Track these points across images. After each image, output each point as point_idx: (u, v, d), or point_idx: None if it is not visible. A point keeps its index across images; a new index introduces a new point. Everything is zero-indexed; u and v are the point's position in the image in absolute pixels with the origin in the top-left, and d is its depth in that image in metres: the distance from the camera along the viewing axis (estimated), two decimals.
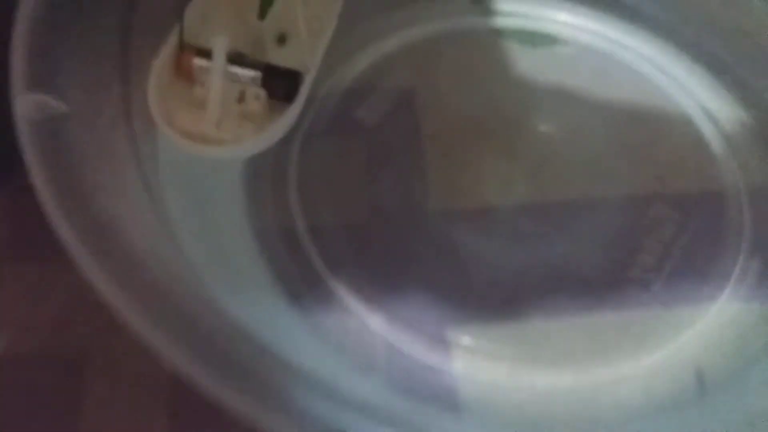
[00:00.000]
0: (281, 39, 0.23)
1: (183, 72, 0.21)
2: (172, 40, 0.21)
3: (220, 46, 0.20)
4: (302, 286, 0.23)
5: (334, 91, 0.27)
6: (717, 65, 0.28)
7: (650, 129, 0.27)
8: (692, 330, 0.22)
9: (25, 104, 0.15)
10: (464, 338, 0.22)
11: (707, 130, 0.27)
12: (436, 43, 0.29)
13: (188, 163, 0.23)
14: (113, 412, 0.21)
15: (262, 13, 0.23)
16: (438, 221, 0.24)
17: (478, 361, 0.22)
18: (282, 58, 0.22)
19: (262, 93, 0.21)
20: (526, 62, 0.28)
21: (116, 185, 0.18)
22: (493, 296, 0.23)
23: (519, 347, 0.22)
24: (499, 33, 0.29)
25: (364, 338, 0.22)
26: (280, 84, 0.21)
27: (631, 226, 0.24)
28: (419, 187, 0.25)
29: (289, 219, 0.24)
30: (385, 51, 0.29)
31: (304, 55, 0.22)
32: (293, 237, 0.24)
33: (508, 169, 0.26)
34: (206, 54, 0.21)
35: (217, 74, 0.20)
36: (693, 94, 0.28)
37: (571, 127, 0.27)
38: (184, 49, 0.21)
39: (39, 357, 0.22)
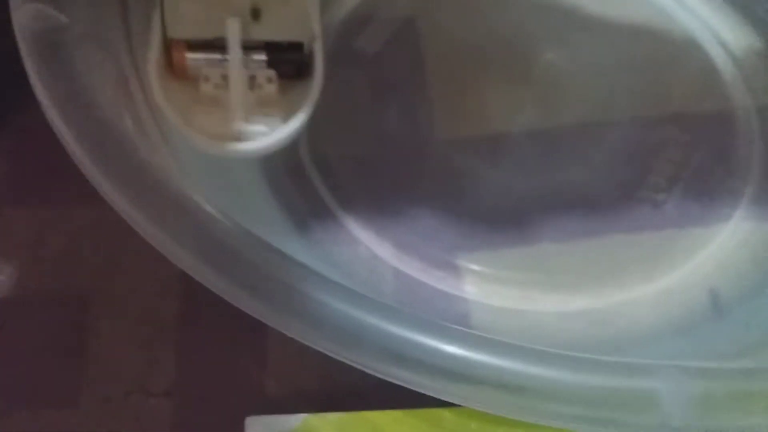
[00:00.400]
0: (255, 14, 0.19)
1: (178, 70, 0.19)
2: (158, 37, 0.19)
3: (234, 33, 0.18)
4: (310, 217, 0.22)
5: (331, 22, 0.26)
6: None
7: (658, 52, 0.26)
8: (705, 250, 0.22)
9: (23, 14, 0.15)
10: (474, 264, 0.22)
11: (715, 53, 0.26)
12: None
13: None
14: (119, 349, 0.21)
15: None
16: (445, 149, 0.24)
17: (489, 285, 0.21)
18: (266, 33, 0.19)
19: (273, 74, 0.19)
20: (531, 3, 0.27)
21: (119, 100, 0.17)
22: (503, 222, 0.23)
23: (530, 271, 0.22)
24: None
25: (373, 266, 0.21)
26: (289, 59, 0.19)
27: (640, 148, 0.24)
28: (424, 116, 0.25)
29: (294, 152, 0.23)
30: None
31: (291, 22, 0.19)
32: (300, 169, 0.23)
33: (514, 95, 0.25)
34: (197, 47, 0.19)
35: (236, 66, 0.18)
36: (701, 18, 0.27)
37: (578, 52, 0.26)
38: (172, 45, 0.19)
39: (43, 296, 0.22)
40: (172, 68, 0.19)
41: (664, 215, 0.23)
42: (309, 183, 0.23)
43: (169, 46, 0.19)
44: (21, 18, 0.15)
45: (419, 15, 0.27)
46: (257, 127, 0.19)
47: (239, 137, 0.19)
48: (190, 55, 0.19)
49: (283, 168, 0.23)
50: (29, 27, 0.15)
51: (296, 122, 0.19)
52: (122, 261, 0.22)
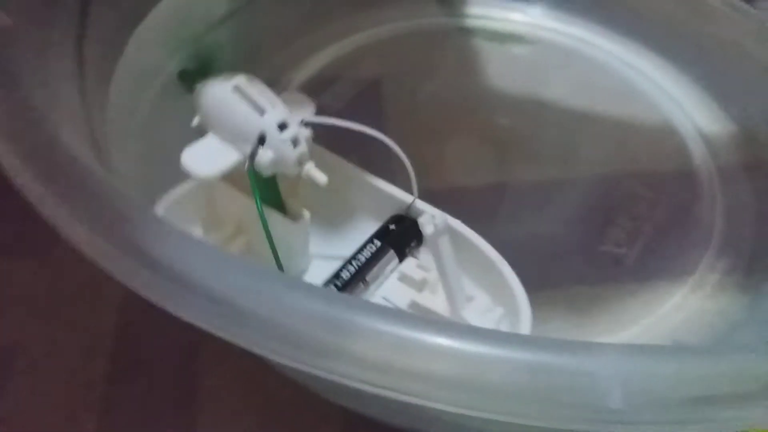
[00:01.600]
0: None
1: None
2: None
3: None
4: None
5: (297, 80, 0.27)
6: (682, 58, 0.28)
7: (620, 116, 0.26)
8: (668, 303, 0.21)
9: None
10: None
11: (676, 116, 0.27)
12: (402, 40, 0.29)
13: (139, 124, 0.22)
14: (39, 408, 0.19)
15: None
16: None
17: None
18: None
19: (416, 261, 0.19)
20: (491, 58, 0.28)
21: (63, 116, 0.16)
22: None
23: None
24: (465, 31, 0.29)
25: None
26: (410, 240, 0.19)
27: (603, 203, 0.23)
28: (386, 170, 0.24)
29: None
30: (352, 47, 0.28)
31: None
32: None
33: (476, 152, 0.25)
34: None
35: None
36: (661, 86, 0.27)
37: (540, 115, 0.26)
38: None
39: None
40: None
41: (625, 269, 0.22)
42: None
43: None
44: None
45: (383, 77, 0.27)
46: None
47: None
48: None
49: None
50: None
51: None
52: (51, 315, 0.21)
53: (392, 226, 0.20)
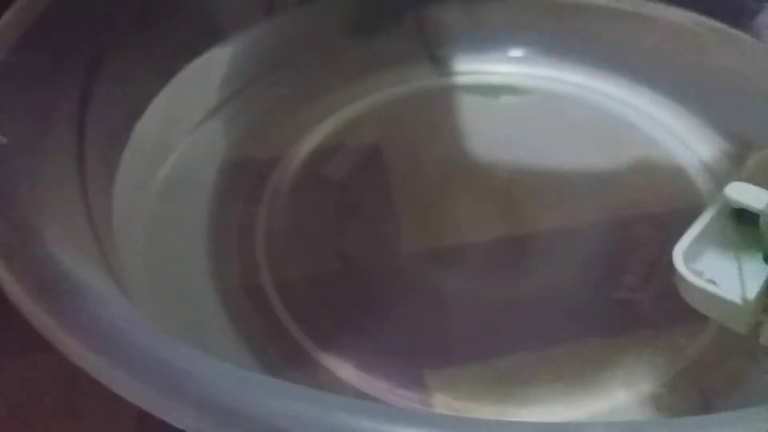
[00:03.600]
0: None
1: None
2: None
3: None
4: (268, 343, 0.21)
5: (300, 153, 0.27)
6: (679, 92, 0.28)
7: (622, 158, 0.26)
8: (689, 350, 0.20)
9: None
10: (444, 381, 0.20)
11: (682, 155, 0.26)
12: (400, 105, 0.29)
13: (145, 224, 0.22)
14: None
15: None
16: (412, 264, 0.23)
17: (460, 403, 0.20)
18: None
19: None
20: (489, 113, 0.28)
21: (64, 232, 0.17)
22: (473, 334, 0.21)
23: (504, 386, 0.20)
24: (461, 89, 0.29)
25: (334, 391, 0.20)
26: None
27: (612, 249, 0.23)
28: (391, 233, 0.24)
29: (255, 276, 0.23)
30: (351, 115, 0.29)
31: None
32: (259, 292, 0.23)
33: (480, 208, 0.25)
34: None
35: None
36: (665, 124, 0.27)
37: (541, 166, 0.26)
38: None
39: None
40: None
41: (642, 316, 0.21)
42: (269, 306, 0.22)
43: None
44: None
45: (386, 143, 0.28)
46: None
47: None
48: None
49: (241, 291, 0.22)
50: None
51: None
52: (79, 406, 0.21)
53: None
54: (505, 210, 0.25)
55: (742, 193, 0.18)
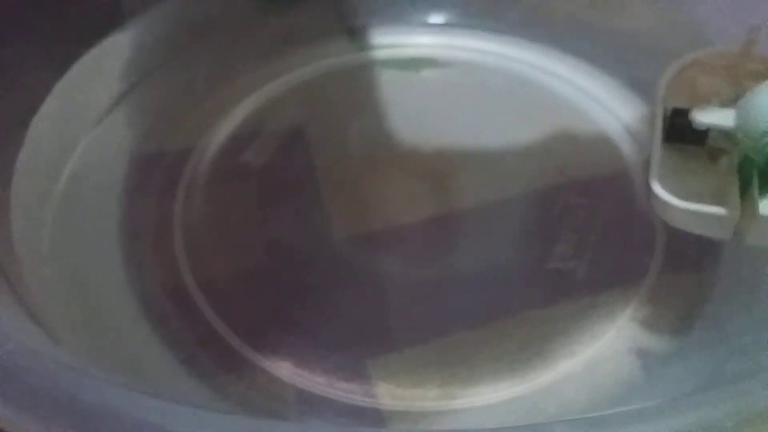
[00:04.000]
0: None
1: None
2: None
3: None
4: (197, 348, 0.20)
5: (215, 140, 0.26)
6: (600, 58, 0.28)
7: (546, 127, 0.26)
8: (625, 313, 0.21)
9: None
10: (387, 370, 0.20)
11: (603, 119, 0.26)
12: (319, 83, 0.28)
13: (50, 231, 0.21)
14: None
15: None
16: (344, 250, 0.23)
17: (403, 390, 0.19)
18: None
19: None
20: (409, 87, 0.28)
21: None
22: (412, 318, 0.21)
23: (448, 368, 0.20)
24: (380, 64, 0.28)
25: (272, 391, 0.19)
26: None
27: (541, 220, 0.23)
28: (319, 219, 0.23)
29: (176, 277, 0.22)
30: (268, 96, 0.27)
31: None
32: (182, 294, 0.21)
33: (409, 187, 0.24)
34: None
35: None
36: (584, 89, 0.27)
37: (465, 139, 0.26)
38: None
39: None
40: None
41: (577, 284, 0.21)
42: (194, 308, 0.21)
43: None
44: None
45: (308, 124, 0.26)
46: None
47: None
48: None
49: (162, 294, 0.21)
50: None
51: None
52: None
53: None
54: (434, 187, 0.24)
55: (708, 115, 0.19)
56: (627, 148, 0.25)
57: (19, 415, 0.11)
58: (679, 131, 0.20)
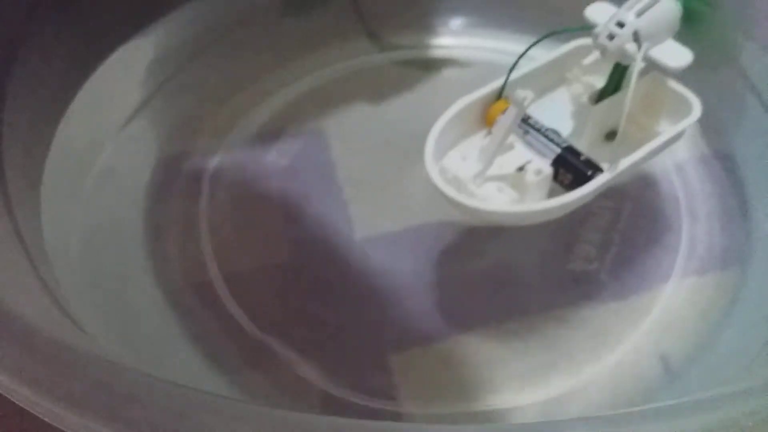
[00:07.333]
0: (610, 135, 0.21)
1: (488, 121, 0.21)
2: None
3: (520, 101, 0.18)
4: (223, 343, 0.20)
5: (239, 141, 0.26)
6: None
7: None
8: (650, 315, 0.20)
9: None
10: (410, 369, 0.20)
11: None
12: (341, 84, 0.28)
13: (79, 232, 0.21)
14: None
15: (597, 98, 0.21)
16: (364, 248, 0.23)
17: (427, 391, 0.19)
18: (598, 152, 0.20)
19: (546, 171, 0.19)
20: (431, 88, 0.28)
21: None
22: (435, 319, 0.21)
23: (471, 369, 0.20)
24: (402, 64, 0.29)
25: (298, 391, 0.19)
26: (568, 172, 0.19)
27: (566, 220, 0.23)
28: (340, 218, 0.24)
29: (202, 273, 0.22)
30: (289, 98, 0.28)
31: (613, 155, 0.19)
32: (209, 290, 0.21)
33: (430, 187, 0.24)
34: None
35: (502, 128, 0.19)
36: None
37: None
38: (499, 99, 0.21)
39: None
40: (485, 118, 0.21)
41: (600, 286, 0.21)
42: (220, 304, 0.21)
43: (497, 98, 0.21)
44: None
45: (329, 125, 0.26)
46: (481, 194, 0.19)
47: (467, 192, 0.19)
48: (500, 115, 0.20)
49: (187, 290, 0.21)
50: None
51: (517, 216, 0.19)
52: None
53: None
54: None
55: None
56: None
57: (55, 404, 0.12)
58: None
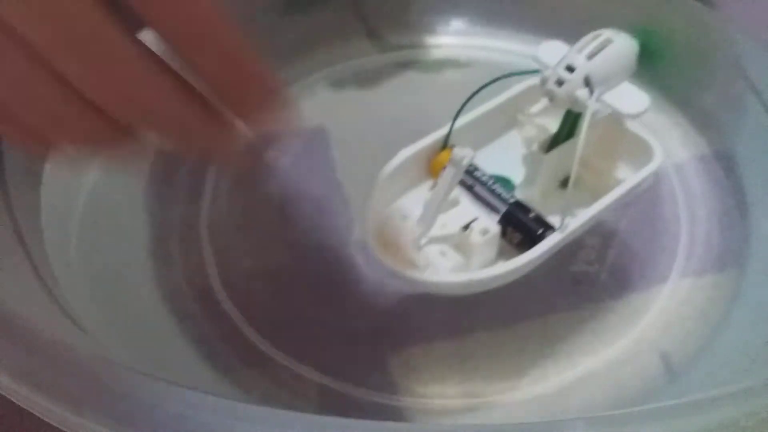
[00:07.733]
0: (566, 182, 0.19)
1: (434, 171, 0.19)
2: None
3: (458, 160, 0.16)
4: (221, 344, 0.20)
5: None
6: None
7: None
8: (649, 314, 0.20)
9: None
10: (407, 367, 0.20)
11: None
12: (341, 85, 0.28)
13: (78, 233, 0.21)
14: None
15: (549, 145, 0.19)
16: (366, 248, 0.23)
17: (425, 387, 0.19)
18: (553, 201, 0.19)
19: (494, 230, 0.18)
20: (431, 88, 0.28)
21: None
22: (436, 318, 0.21)
23: (470, 365, 0.20)
24: (402, 65, 0.29)
25: (295, 388, 0.19)
26: (517, 231, 0.18)
27: None
28: (341, 219, 0.24)
29: (202, 276, 0.22)
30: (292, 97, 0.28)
31: (566, 208, 0.18)
32: (208, 294, 0.21)
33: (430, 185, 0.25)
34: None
35: (442, 188, 0.17)
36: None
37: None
38: (444, 148, 0.20)
39: None
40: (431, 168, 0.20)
41: (600, 286, 0.21)
42: (218, 305, 0.21)
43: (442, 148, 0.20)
44: None
45: (327, 126, 0.26)
46: (423, 261, 0.18)
47: (408, 259, 0.18)
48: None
49: (187, 291, 0.21)
50: None
51: (465, 285, 0.18)
52: None
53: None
54: None
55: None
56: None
57: (55, 404, 0.12)
58: None
